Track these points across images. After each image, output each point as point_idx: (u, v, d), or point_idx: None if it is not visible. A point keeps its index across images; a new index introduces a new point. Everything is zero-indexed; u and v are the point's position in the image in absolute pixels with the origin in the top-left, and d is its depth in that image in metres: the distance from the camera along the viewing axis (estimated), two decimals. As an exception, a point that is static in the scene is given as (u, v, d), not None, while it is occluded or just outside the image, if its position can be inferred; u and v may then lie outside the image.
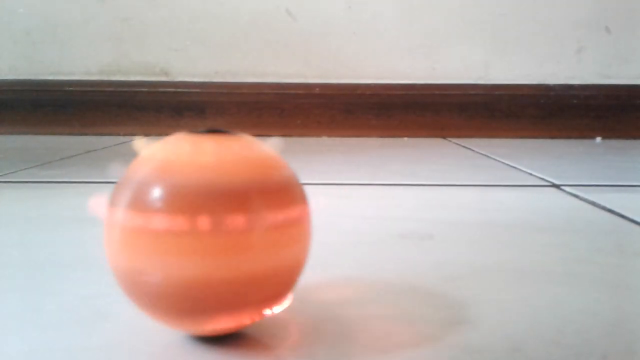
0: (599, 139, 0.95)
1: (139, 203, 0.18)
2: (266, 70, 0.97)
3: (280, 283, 0.19)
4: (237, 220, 0.18)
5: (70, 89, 0.97)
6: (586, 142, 0.93)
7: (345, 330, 0.22)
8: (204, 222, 0.17)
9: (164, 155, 0.19)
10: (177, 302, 0.18)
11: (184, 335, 0.21)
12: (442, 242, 0.35)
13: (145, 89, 0.97)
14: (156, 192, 0.18)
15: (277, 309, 0.20)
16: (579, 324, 0.23)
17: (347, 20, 0.96)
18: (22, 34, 0.96)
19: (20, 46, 0.97)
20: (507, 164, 0.66)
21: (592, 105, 0.98)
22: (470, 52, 0.97)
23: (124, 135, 0.96)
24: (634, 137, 0.97)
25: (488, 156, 0.73)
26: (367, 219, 0.40)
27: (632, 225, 0.39)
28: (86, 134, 0.96)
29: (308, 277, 0.28)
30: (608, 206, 0.44)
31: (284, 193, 0.19)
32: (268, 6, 0.96)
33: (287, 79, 0.98)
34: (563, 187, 0.52)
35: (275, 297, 0.20)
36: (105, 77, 0.97)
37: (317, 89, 0.97)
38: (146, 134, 0.93)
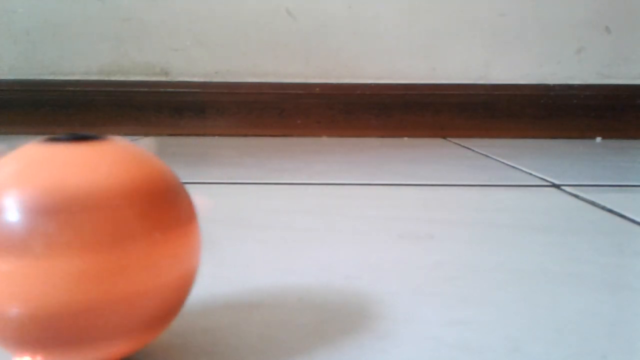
0: (599, 139, 0.95)
1: None
2: (266, 70, 0.97)
3: (161, 307, 0.17)
4: (103, 239, 0.15)
5: (70, 89, 0.96)
6: (586, 142, 0.93)
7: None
8: (62, 242, 0.15)
9: (13, 168, 0.16)
10: (37, 334, 0.16)
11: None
12: (442, 242, 0.35)
13: (145, 89, 0.97)
14: (4, 212, 0.15)
15: (157, 335, 0.18)
16: (579, 324, 0.23)
17: (347, 20, 0.96)
18: (22, 34, 0.96)
19: (20, 46, 0.97)
20: (507, 164, 0.66)
21: (592, 105, 0.98)
22: (470, 52, 0.97)
23: (124, 135, 0.96)
24: (634, 137, 0.97)
25: (488, 156, 0.73)
26: (367, 219, 0.40)
27: (632, 225, 0.39)
28: (86, 134, 0.96)
29: (306, 277, 0.28)
30: (608, 206, 0.44)
31: (163, 205, 0.17)
32: (268, 6, 0.96)
33: (287, 79, 0.97)
34: (563, 187, 0.52)
35: (156, 322, 0.17)
36: (105, 77, 0.97)
37: (317, 89, 0.97)
38: (146, 134, 0.92)
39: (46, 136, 0.18)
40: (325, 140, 0.93)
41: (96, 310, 0.15)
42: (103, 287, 0.15)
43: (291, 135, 0.97)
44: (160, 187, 0.17)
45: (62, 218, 0.15)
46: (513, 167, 0.64)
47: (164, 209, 0.17)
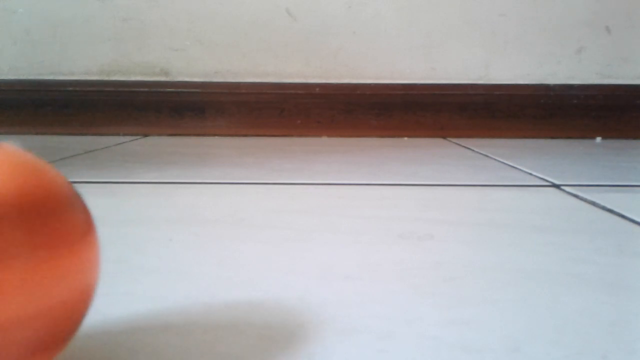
0: (599, 139, 0.95)
1: None
2: (266, 70, 0.97)
3: (44, 334, 0.15)
4: None
5: (70, 89, 0.97)
6: (586, 142, 0.93)
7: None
8: None
9: None
10: None
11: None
12: (442, 242, 0.35)
13: (145, 89, 0.97)
14: None
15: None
16: (579, 324, 0.23)
17: (347, 20, 0.96)
18: (22, 33, 0.96)
19: (20, 46, 0.97)
20: (507, 164, 0.66)
21: (592, 105, 0.98)
22: (470, 52, 0.97)
23: (124, 135, 0.96)
24: (634, 137, 0.97)
25: (488, 156, 0.73)
26: (367, 219, 0.40)
27: (632, 225, 0.39)
28: (86, 134, 0.96)
29: (306, 277, 0.28)
30: (608, 206, 0.44)
31: (52, 219, 0.15)
32: (268, 6, 0.96)
33: (287, 79, 0.98)
34: (563, 187, 0.52)
35: (38, 351, 0.15)
36: (105, 77, 0.97)
37: (317, 89, 0.97)
38: (146, 134, 0.92)
39: None
40: (325, 140, 0.93)
41: None
42: None
43: (291, 135, 0.97)
44: (50, 199, 0.15)
45: None
46: (513, 167, 0.64)
47: (52, 224, 0.15)
